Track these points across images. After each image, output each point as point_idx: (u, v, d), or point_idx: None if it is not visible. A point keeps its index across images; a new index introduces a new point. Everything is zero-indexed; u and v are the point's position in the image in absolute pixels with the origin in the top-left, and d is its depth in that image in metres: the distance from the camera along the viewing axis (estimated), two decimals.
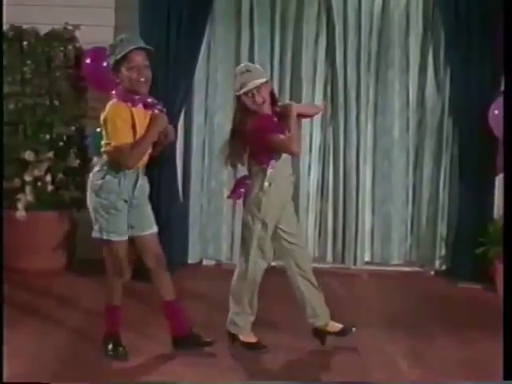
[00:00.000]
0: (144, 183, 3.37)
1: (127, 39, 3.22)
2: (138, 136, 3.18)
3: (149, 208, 3.40)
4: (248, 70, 3.35)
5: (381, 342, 3.73)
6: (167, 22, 4.94)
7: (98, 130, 4.88)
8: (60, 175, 4.93)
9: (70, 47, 5.02)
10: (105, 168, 3.23)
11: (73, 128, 5.06)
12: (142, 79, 3.15)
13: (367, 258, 5.47)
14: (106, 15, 5.20)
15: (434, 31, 5.25)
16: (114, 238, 3.27)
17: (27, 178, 4.80)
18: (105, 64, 4.86)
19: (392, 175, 5.37)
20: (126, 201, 3.26)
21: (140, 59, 3.15)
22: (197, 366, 3.31)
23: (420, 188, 5.41)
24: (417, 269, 5.47)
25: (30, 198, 4.78)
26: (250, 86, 3.28)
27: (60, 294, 4.46)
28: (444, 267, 5.39)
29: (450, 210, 5.36)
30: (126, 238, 3.32)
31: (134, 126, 3.17)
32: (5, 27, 4.90)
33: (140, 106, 3.22)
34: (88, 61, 4.95)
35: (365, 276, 5.29)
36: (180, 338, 3.42)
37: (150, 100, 3.25)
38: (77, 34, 5.04)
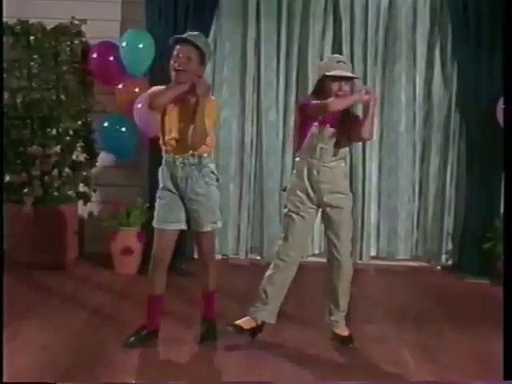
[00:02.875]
0: (191, 176, 3.30)
1: (187, 34, 3.32)
2: (165, 122, 3.30)
3: (202, 205, 3.33)
4: (344, 62, 3.51)
5: (388, 337, 3.73)
6: (174, 16, 4.94)
7: (106, 124, 4.94)
8: (67, 170, 4.93)
9: (76, 41, 5.02)
10: None
11: (79, 122, 5.06)
12: (178, 68, 3.22)
13: (373, 253, 5.47)
14: (112, 9, 5.19)
15: (442, 26, 5.24)
16: (154, 224, 3.37)
17: (34, 172, 4.80)
18: (111, 58, 4.91)
19: (398, 170, 5.37)
20: (172, 192, 3.33)
21: (182, 49, 3.24)
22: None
23: (427, 182, 5.40)
24: (423, 263, 5.47)
25: (37, 192, 4.79)
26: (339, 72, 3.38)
27: (68, 288, 4.47)
28: (450, 262, 5.38)
29: (457, 204, 5.35)
30: (167, 228, 3.34)
31: (163, 111, 3.29)
32: (12, 22, 4.90)
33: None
34: (95, 55, 4.95)
35: (371, 271, 5.29)
36: (206, 321, 3.57)
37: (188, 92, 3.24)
38: (83, 28, 5.02)
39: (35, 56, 4.93)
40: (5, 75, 4.83)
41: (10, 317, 3.45)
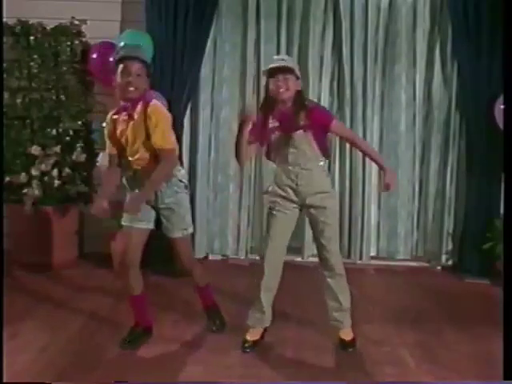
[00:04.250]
0: (158, 189, 3.32)
1: (128, 46, 3.33)
2: (122, 143, 3.30)
3: (173, 213, 3.37)
4: (283, 59, 3.39)
5: (387, 338, 3.72)
6: (174, 17, 4.94)
7: (104, 124, 4.94)
8: (67, 170, 4.93)
9: (76, 42, 5.03)
10: None
11: (79, 123, 5.06)
12: (130, 88, 3.18)
13: (373, 253, 5.47)
14: (112, 10, 5.21)
15: (442, 26, 5.24)
16: (122, 222, 3.39)
17: (34, 172, 4.81)
18: (111, 59, 4.90)
19: (398, 170, 5.36)
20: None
21: (133, 68, 3.18)
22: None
23: (427, 183, 5.40)
24: (423, 264, 5.47)
25: (37, 192, 4.79)
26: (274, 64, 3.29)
27: (68, 288, 4.47)
28: (451, 262, 5.38)
29: (457, 204, 5.35)
30: (137, 226, 3.35)
31: (115, 134, 3.32)
32: (12, 22, 4.90)
33: (124, 114, 3.27)
34: (94, 55, 4.95)
35: (371, 271, 5.29)
36: (208, 309, 3.72)
37: (134, 107, 3.23)
38: (83, 28, 5.03)
39: (35, 56, 4.94)
40: (5, 75, 4.84)
41: (9, 317, 3.45)
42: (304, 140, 3.31)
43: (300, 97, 3.35)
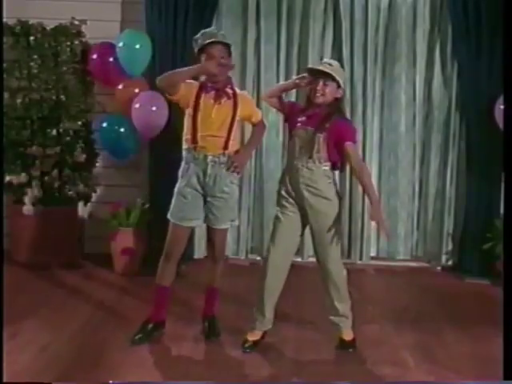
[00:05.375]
0: (219, 174, 3.35)
1: (209, 33, 3.38)
2: (197, 119, 3.31)
3: (226, 203, 3.40)
4: (330, 64, 3.37)
5: (387, 338, 3.72)
6: (174, 16, 4.95)
7: (105, 124, 4.94)
8: (67, 170, 4.93)
9: (76, 42, 5.03)
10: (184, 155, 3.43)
11: (79, 123, 5.05)
12: (219, 69, 3.29)
13: (373, 253, 5.47)
14: (112, 10, 5.21)
15: (442, 26, 5.25)
16: (172, 219, 3.40)
17: (34, 172, 4.81)
18: (111, 59, 4.90)
19: (398, 170, 5.37)
20: (196, 190, 3.36)
21: (215, 51, 3.29)
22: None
23: (427, 183, 5.40)
24: (423, 264, 5.47)
25: (37, 192, 4.79)
26: (317, 66, 3.34)
27: (68, 288, 4.47)
28: (451, 262, 5.38)
29: (457, 205, 5.35)
30: (186, 225, 3.40)
31: (195, 108, 3.32)
32: (12, 22, 4.90)
33: (212, 93, 3.34)
34: (94, 56, 4.95)
35: (371, 271, 5.29)
36: (207, 317, 3.66)
37: (224, 89, 3.36)
38: (83, 28, 5.03)
39: (35, 56, 4.94)
40: (5, 75, 4.84)
41: (9, 316, 3.44)
42: (315, 138, 3.30)
43: (336, 104, 3.37)
